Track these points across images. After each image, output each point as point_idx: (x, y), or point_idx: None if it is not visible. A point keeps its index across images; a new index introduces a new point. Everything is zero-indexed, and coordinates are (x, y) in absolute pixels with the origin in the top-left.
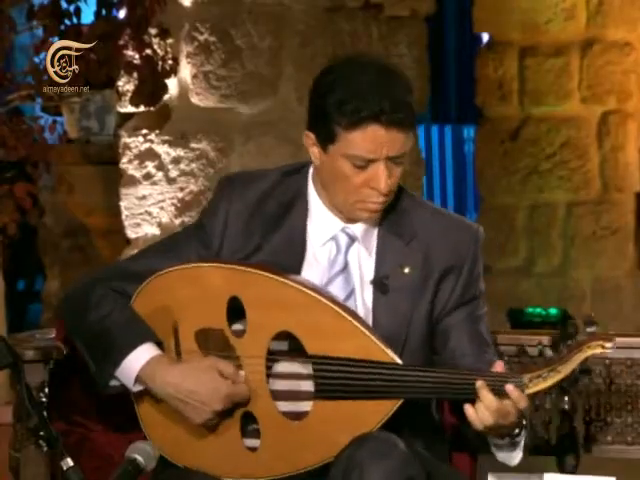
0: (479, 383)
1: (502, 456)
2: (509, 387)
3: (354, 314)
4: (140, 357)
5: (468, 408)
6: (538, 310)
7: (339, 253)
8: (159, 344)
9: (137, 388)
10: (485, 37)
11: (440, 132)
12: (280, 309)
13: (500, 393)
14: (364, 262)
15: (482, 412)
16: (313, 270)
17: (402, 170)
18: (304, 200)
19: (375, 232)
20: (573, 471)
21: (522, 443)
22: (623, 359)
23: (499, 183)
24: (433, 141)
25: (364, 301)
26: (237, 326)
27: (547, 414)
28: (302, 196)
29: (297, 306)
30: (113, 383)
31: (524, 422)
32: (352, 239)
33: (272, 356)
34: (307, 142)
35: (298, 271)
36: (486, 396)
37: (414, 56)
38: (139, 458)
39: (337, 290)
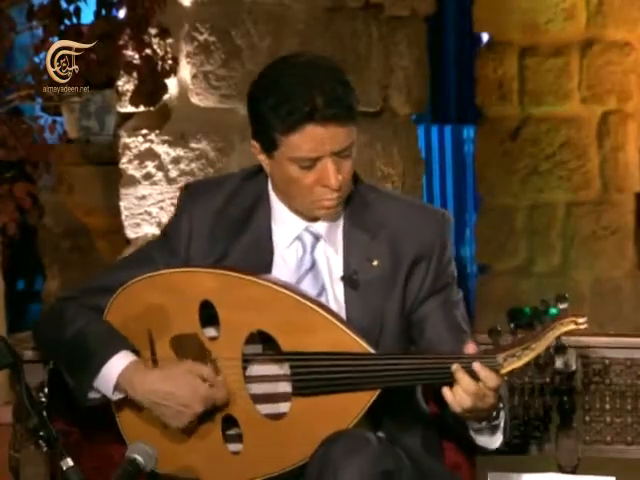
0: (455, 366)
1: (482, 440)
2: (476, 365)
3: (327, 308)
4: (117, 364)
5: (446, 391)
6: None
7: (305, 252)
8: (136, 353)
9: (117, 396)
10: (485, 37)
11: (440, 132)
12: (252, 308)
13: (476, 375)
14: (332, 259)
15: (460, 395)
16: (282, 271)
17: (352, 163)
18: (266, 203)
19: (340, 228)
20: (573, 471)
21: (501, 426)
22: (623, 359)
23: (499, 183)
24: (433, 141)
25: (336, 297)
26: (210, 330)
27: (546, 413)
28: (263, 199)
29: (269, 304)
30: (92, 395)
31: (501, 405)
32: (317, 237)
33: (248, 356)
34: (254, 151)
35: (267, 273)
36: (463, 378)
37: (414, 56)
38: (139, 458)
39: (307, 289)
